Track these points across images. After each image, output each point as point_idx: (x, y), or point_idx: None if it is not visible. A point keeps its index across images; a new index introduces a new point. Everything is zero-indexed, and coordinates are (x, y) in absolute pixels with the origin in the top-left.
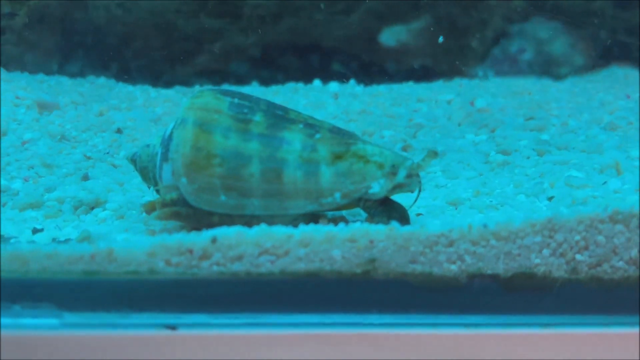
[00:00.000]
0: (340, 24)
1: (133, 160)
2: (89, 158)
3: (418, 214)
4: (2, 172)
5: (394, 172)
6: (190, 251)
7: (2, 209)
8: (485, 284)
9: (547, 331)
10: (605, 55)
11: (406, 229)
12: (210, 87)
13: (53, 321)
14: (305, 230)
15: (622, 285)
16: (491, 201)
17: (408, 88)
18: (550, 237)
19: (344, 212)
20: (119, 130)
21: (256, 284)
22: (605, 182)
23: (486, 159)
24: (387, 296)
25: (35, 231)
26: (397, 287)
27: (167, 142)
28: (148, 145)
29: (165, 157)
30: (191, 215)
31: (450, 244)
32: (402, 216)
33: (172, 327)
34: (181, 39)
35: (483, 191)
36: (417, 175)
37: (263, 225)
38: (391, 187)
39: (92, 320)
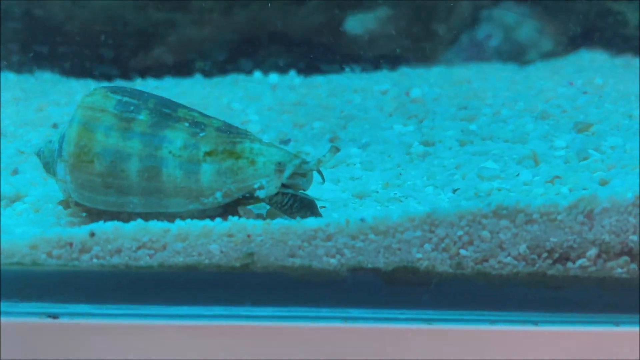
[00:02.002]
0: (293, 14)
1: (38, 155)
2: (22, 153)
3: (322, 207)
4: None
5: (280, 170)
6: (70, 244)
7: None
8: (366, 278)
9: (429, 327)
10: (574, 39)
11: (283, 223)
12: (106, 84)
13: None
14: (182, 225)
15: (511, 281)
16: (395, 193)
17: (346, 79)
18: (431, 231)
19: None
20: (54, 126)
21: (136, 276)
22: (518, 174)
23: (408, 150)
24: (267, 289)
25: None
26: (277, 280)
27: (61, 139)
28: (50, 141)
29: (59, 154)
30: (102, 213)
31: (328, 238)
32: (312, 210)
33: (54, 316)
34: (129, 33)
35: (394, 183)
36: (309, 172)
37: (139, 220)
38: (279, 185)
39: None
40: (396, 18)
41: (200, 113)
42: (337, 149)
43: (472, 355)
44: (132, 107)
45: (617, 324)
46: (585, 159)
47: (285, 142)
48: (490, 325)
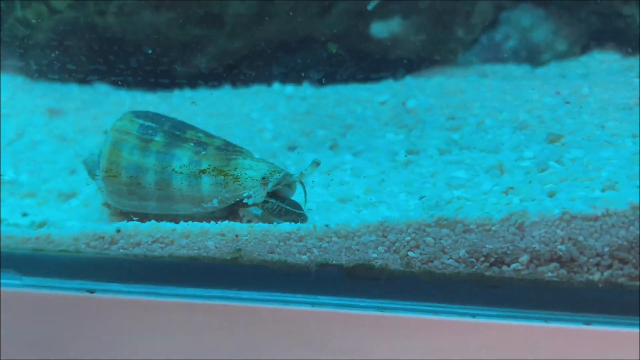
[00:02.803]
0: (315, 25)
1: (84, 163)
2: (79, 156)
3: (309, 209)
4: (14, 167)
5: (264, 183)
6: (103, 238)
7: (9, 196)
8: (331, 272)
9: (382, 314)
10: (589, 40)
11: (263, 226)
12: (133, 110)
13: (16, 282)
14: (185, 225)
15: (453, 279)
16: (371, 199)
17: (352, 89)
18: (384, 236)
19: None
20: (106, 132)
21: (152, 263)
22: (480, 184)
23: (394, 157)
24: (252, 278)
25: (23, 215)
26: (260, 271)
27: (100, 154)
28: (92, 154)
29: (98, 166)
30: (133, 214)
31: (300, 239)
32: (298, 214)
33: (92, 291)
34: (170, 48)
35: (375, 189)
36: (292, 184)
37: (153, 221)
38: (265, 194)
39: (42, 282)
40: (412, 24)
41: (206, 133)
42: (318, 163)
43: (416, 340)
44: (150, 130)
45: (547, 320)
46: (543, 170)
47: (292, 148)
48: (434, 316)
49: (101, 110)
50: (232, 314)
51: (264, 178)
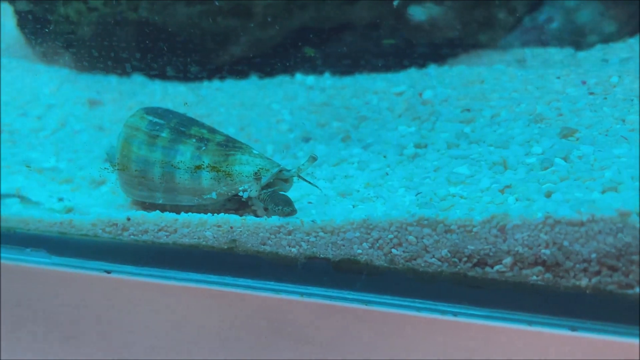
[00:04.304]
0: (341, 13)
1: (107, 154)
2: (113, 146)
3: (309, 202)
4: (56, 155)
5: (258, 177)
6: (116, 224)
7: (50, 182)
8: (319, 265)
9: (365, 307)
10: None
11: (255, 219)
12: (145, 107)
13: (46, 260)
14: (185, 216)
15: (436, 278)
16: (369, 194)
17: (371, 80)
18: (368, 233)
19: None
20: None
21: (159, 249)
22: (479, 181)
23: (402, 151)
24: (247, 267)
25: (59, 200)
26: (254, 261)
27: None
28: (112, 147)
29: (114, 158)
30: (148, 203)
31: (289, 233)
32: (288, 206)
33: (108, 272)
34: (202, 40)
35: (377, 183)
36: (290, 179)
37: (157, 211)
38: (259, 189)
39: (67, 262)
40: (450, 6)
41: (210, 129)
42: (315, 158)
43: (397, 335)
44: (158, 127)
45: (530, 324)
46: (545, 168)
47: (307, 140)
48: (416, 312)
49: (135, 101)
50: (227, 298)
51: (256, 173)
